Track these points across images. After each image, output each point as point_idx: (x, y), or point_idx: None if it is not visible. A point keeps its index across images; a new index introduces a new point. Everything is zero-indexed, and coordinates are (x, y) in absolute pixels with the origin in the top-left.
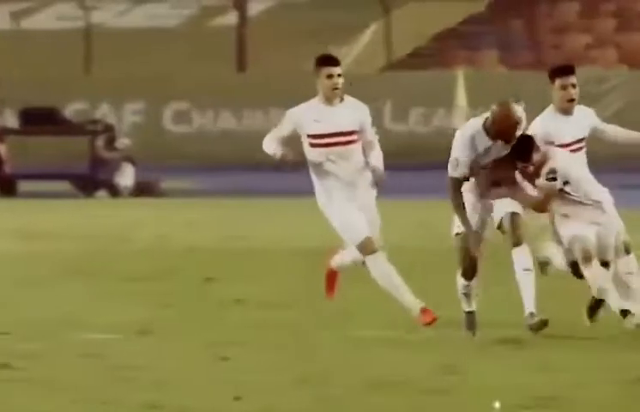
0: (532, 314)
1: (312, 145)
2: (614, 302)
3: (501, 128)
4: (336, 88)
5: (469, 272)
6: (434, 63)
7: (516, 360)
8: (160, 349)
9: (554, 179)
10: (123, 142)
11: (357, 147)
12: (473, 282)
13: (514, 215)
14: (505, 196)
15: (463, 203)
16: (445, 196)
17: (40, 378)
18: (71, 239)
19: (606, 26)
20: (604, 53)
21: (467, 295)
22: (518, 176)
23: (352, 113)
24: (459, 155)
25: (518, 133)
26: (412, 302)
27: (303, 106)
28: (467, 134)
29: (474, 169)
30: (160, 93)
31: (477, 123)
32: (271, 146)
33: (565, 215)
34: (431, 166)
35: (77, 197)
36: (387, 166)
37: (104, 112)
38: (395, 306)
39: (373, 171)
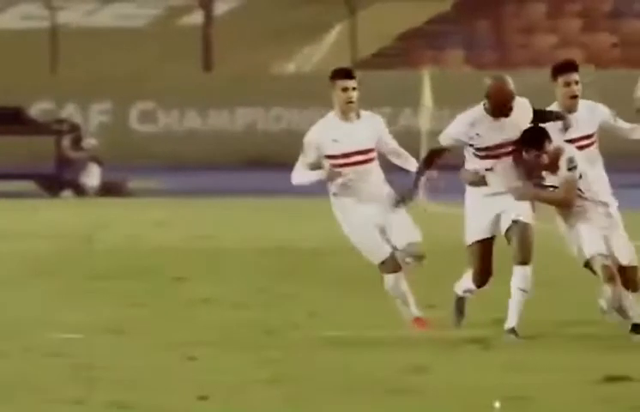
0: (512, 329)
1: (331, 165)
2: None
3: (496, 101)
4: (351, 102)
5: (479, 281)
6: (400, 63)
7: (485, 360)
8: (127, 349)
9: (575, 168)
10: (89, 141)
11: (375, 164)
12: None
13: (525, 226)
14: (527, 196)
15: (429, 163)
16: (416, 194)
17: (7, 379)
18: (37, 239)
19: (571, 26)
20: (570, 53)
21: (468, 292)
22: (536, 177)
23: (368, 129)
24: (451, 128)
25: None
26: (413, 310)
27: (319, 125)
28: (467, 113)
29: (479, 154)
30: (127, 93)
31: (479, 106)
32: (307, 175)
33: (572, 213)
34: (397, 166)
35: (43, 197)
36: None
37: (70, 111)
38: (365, 307)
39: (429, 180)
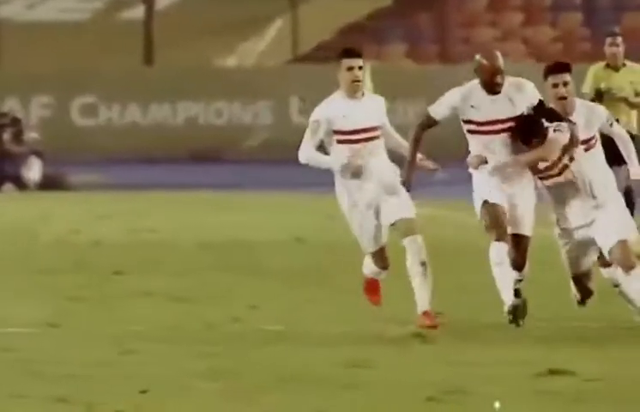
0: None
1: (339, 142)
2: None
3: (484, 77)
4: (357, 81)
5: (499, 235)
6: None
7: (427, 354)
8: (68, 342)
9: (560, 131)
10: (30, 135)
11: (382, 142)
12: (504, 249)
13: (525, 239)
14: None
15: (418, 140)
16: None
17: None
18: None
19: (513, 20)
20: (511, 47)
21: (501, 273)
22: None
23: (375, 107)
24: (445, 97)
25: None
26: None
27: (327, 102)
28: (463, 86)
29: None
30: (68, 87)
31: (474, 80)
32: (318, 159)
33: (561, 197)
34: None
35: None
36: (294, 160)
37: (11, 105)
38: (305, 300)
39: (424, 165)
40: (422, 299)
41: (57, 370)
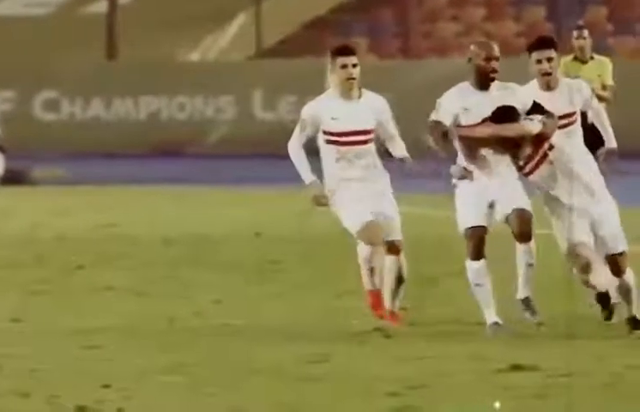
0: (527, 298)
1: (327, 141)
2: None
3: (480, 67)
4: (351, 79)
5: (475, 253)
6: (304, 51)
7: (386, 349)
8: (30, 337)
9: (531, 120)
10: None
11: (372, 145)
12: (482, 264)
13: (524, 211)
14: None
15: (445, 135)
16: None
17: None
18: None
19: (475, 14)
20: (473, 41)
21: (479, 287)
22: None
23: (370, 109)
24: (442, 100)
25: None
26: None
27: (319, 100)
28: (455, 87)
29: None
30: (30, 82)
31: (465, 82)
32: (300, 162)
33: (548, 185)
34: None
35: None
36: (258, 156)
37: None
38: (268, 295)
39: (402, 161)
40: (393, 305)
41: (18, 364)
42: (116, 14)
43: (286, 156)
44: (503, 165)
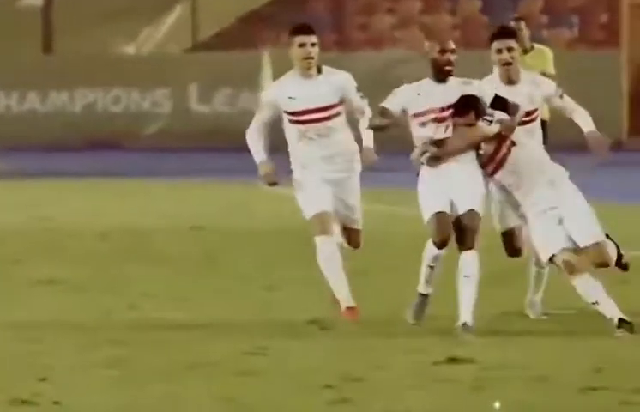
0: (465, 324)
1: (290, 121)
2: (609, 312)
3: (435, 59)
4: (309, 58)
5: (439, 239)
6: (240, 44)
7: (323, 342)
8: None
9: (489, 122)
10: None
11: (337, 122)
12: (442, 253)
13: (476, 215)
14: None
15: (383, 120)
16: (253, 178)
17: None
18: None
19: (411, 7)
20: (409, 34)
21: (431, 269)
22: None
23: (330, 85)
24: (398, 89)
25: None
26: (344, 296)
27: (278, 82)
28: (415, 82)
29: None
30: None
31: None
32: (255, 148)
33: (510, 186)
34: (236, 147)
35: None
36: (193, 148)
37: None
38: (202, 288)
39: (363, 153)
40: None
41: None
42: (52, 7)
43: (223, 149)
44: (467, 159)
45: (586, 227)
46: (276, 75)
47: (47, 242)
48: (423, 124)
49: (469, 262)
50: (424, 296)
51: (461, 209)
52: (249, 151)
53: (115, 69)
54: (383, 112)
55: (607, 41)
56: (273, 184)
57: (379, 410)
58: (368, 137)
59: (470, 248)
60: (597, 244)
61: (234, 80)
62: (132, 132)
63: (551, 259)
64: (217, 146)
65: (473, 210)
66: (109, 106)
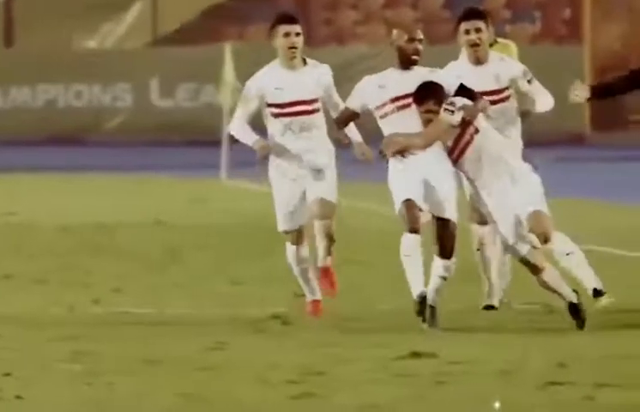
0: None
1: (273, 114)
2: (588, 282)
3: (402, 48)
4: (293, 48)
5: (410, 225)
6: (202, 38)
7: (284, 336)
8: None
9: (452, 112)
10: None
11: (319, 116)
12: (415, 238)
13: (453, 225)
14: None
15: (347, 119)
16: (215, 173)
17: None
18: None
19: (374, 2)
20: (372, 29)
21: (408, 257)
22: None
23: (315, 78)
24: (358, 85)
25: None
26: (312, 290)
27: (262, 72)
28: (379, 73)
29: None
30: None
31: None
32: (244, 134)
33: (473, 174)
34: (198, 142)
35: None
36: (155, 143)
37: None
38: (166, 284)
39: (357, 149)
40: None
41: None
42: (13, 1)
43: (185, 143)
44: (434, 148)
45: (527, 198)
46: (240, 69)
47: (9, 237)
48: (385, 115)
49: (448, 266)
50: (432, 308)
51: (437, 213)
52: (211, 145)
53: (76, 64)
54: (347, 115)
55: (570, 36)
56: (268, 154)
57: (341, 404)
58: (355, 133)
59: (449, 258)
60: (535, 211)
61: (196, 74)
62: (93, 127)
63: (521, 259)
64: (179, 140)
65: (450, 220)
66: (70, 100)
